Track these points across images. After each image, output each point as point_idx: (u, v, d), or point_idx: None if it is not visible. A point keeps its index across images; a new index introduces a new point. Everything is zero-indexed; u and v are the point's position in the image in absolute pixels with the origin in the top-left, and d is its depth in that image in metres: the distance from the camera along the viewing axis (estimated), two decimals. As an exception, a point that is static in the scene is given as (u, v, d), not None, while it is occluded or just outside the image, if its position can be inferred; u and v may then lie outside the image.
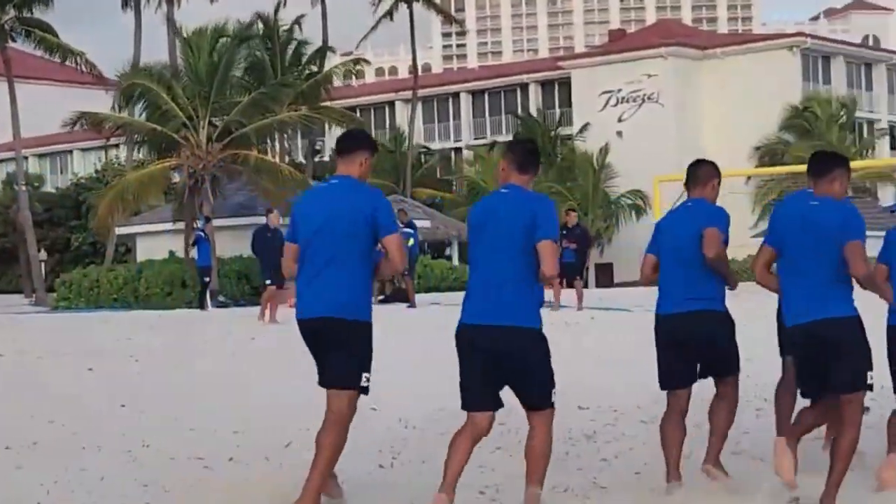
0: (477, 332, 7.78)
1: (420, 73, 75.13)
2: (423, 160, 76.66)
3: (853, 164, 42.60)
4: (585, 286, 35.55)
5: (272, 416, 12.81)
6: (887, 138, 78.50)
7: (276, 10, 58.57)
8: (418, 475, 9.69)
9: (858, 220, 8.18)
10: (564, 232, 28.29)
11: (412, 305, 30.38)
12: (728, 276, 8.70)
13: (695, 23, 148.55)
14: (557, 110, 77.59)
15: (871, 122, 77.88)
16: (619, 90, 73.77)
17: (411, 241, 30.91)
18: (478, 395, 7.94)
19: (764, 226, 64.49)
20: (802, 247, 8.16)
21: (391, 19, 66.77)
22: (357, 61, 66.40)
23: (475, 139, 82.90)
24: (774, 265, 8.57)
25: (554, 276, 7.77)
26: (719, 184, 8.91)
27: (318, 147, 76.99)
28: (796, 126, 69.29)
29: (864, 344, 8.19)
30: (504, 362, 7.82)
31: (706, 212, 8.67)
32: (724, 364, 8.81)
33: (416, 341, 20.99)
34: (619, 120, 73.25)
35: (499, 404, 8.06)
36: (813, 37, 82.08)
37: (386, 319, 25.42)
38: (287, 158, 59.79)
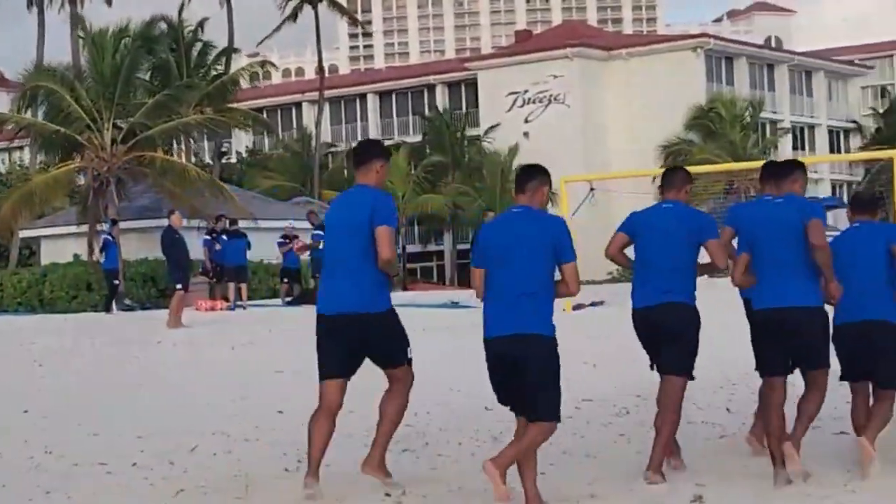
0: (500, 343, 8.31)
1: (327, 74, 74.96)
2: (330, 161, 76.46)
3: (756, 164, 42.92)
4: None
5: (177, 420, 12.71)
6: (789, 137, 79.42)
7: (181, 11, 58.14)
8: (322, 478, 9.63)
9: (813, 205, 9.14)
10: None
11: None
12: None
13: (600, 24, 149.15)
14: (464, 111, 77.74)
15: (773, 122, 78.75)
16: (526, 91, 74.02)
17: (322, 244, 30.86)
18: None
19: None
20: (772, 239, 8.94)
21: (294, 21, 66.53)
22: (263, 63, 66.11)
23: (383, 140, 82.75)
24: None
25: (574, 294, 8.63)
26: (691, 189, 9.69)
27: (224, 149, 76.57)
28: (701, 126, 69.89)
29: (827, 331, 9.03)
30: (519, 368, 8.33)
31: (696, 218, 9.38)
32: (679, 358, 9.20)
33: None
34: (526, 121, 73.50)
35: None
36: (716, 38, 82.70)
37: (288, 322, 25.34)
38: (194, 160, 59.35)
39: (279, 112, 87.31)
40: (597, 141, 71.37)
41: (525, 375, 8.25)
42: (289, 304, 32.25)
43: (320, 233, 30.80)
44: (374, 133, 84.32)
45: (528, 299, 8.23)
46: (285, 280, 33.92)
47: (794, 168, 9.46)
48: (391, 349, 8.87)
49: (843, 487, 8.80)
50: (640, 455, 9.70)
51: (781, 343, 8.96)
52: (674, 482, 9.04)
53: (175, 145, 51.66)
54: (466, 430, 11.61)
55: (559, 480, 9.31)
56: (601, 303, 30.59)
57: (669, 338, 9.20)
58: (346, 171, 78.18)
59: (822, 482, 8.88)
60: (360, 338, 8.71)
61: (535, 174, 8.63)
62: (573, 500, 8.75)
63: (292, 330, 23.09)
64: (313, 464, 8.82)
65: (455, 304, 31.58)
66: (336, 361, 8.80)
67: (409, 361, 8.97)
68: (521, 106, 74.14)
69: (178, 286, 25.73)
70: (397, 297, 37.78)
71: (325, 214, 9.12)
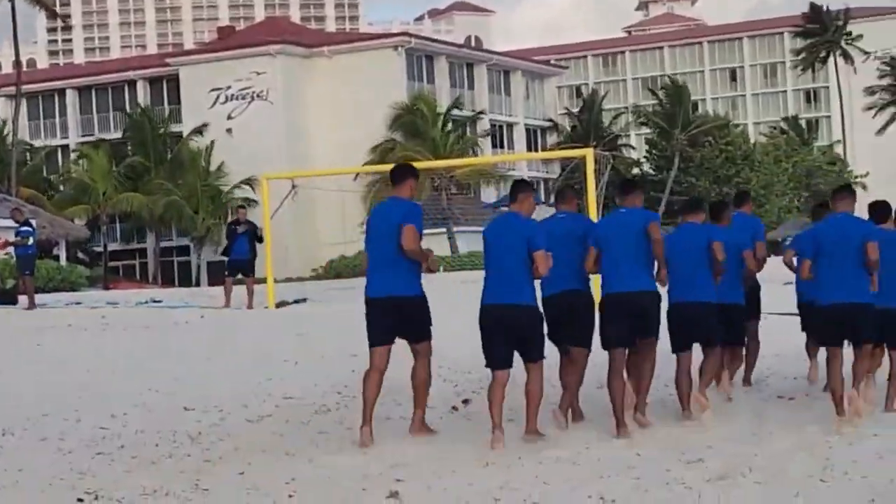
0: (498, 309, 10.67)
1: (24, 68, 73.03)
2: (28, 158, 74.47)
3: (456, 161, 43.46)
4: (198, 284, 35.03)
5: None
6: (489, 137, 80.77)
7: None
8: (14, 484, 9.45)
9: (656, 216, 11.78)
10: (235, 227, 28.51)
11: (32, 306, 29.17)
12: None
13: (303, 21, 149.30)
14: (167, 107, 76.78)
15: (474, 121, 79.88)
16: (229, 87, 73.51)
17: (31, 240, 29.94)
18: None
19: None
20: (620, 243, 11.30)
21: (-9, 13, 64.66)
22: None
23: (83, 136, 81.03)
24: None
25: (545, 274, 10.80)
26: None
27: None
28: (404, 125, 70.56)
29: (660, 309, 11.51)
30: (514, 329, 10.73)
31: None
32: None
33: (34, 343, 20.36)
34: (229, 117, 72.99)
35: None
36: (417, 37, 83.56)
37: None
38: None
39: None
40: (300, 138, 71.42)
41: (520, 331, 10.66)
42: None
43: (28, 229, 29.73)
44: (73, 128, 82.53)
45: (516, 276, 10.62)
46: (-20, 281, 32.92)
47: (635, 188, 11.97)
48: (421, 326, 10.99)
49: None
50: (339, 453, 9.82)
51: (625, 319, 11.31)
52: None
53: None
54: (164, 432, 11.50)
55: (258, 477, 9.33)
56: (304, 300, 30.70)
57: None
58: (45, 169, 76.28)
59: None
60: (397, 314, 10.87)
61: (523, 189, 11.13)
62: (271, 496, 8.77)
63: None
64: (367, 414, 10.63)
65: (157, 302, 31.26)
66: (381, 332, 10.91)
67: (430, 337, 11.10)
68: (224, 102, 73.66)
69: None
70: (95, 296, 37.04)
71: (368, 219, 11.25)
